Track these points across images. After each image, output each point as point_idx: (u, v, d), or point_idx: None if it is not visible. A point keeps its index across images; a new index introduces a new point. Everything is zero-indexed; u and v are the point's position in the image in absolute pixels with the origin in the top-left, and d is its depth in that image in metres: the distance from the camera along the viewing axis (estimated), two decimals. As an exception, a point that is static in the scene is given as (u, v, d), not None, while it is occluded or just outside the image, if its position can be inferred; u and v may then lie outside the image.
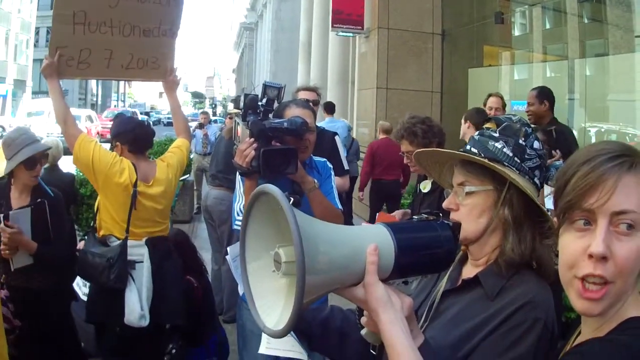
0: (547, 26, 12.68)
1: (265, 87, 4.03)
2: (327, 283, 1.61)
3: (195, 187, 16.46)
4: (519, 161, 2.25)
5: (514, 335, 2.01)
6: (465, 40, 14.20)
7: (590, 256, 1.46)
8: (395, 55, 13.20)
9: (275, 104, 4.15)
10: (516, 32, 13.81)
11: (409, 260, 1.72)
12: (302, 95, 6.35)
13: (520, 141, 2.29)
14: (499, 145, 2.27)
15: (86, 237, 5.53)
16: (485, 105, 8.27)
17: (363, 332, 1.84)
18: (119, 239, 5.23)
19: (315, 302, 1.62)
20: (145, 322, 5.20)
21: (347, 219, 6.80)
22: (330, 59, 19.77)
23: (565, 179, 1.57)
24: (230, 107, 13.62)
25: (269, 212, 1.61)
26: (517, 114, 2.49)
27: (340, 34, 15.30)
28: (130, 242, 5.23)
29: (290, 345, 2.68)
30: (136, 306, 5.22)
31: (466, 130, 7.02)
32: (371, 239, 1.66)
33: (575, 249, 1.51)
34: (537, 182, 2.30)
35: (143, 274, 5.26)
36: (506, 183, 2.22)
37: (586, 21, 10.96)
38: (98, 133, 42.41)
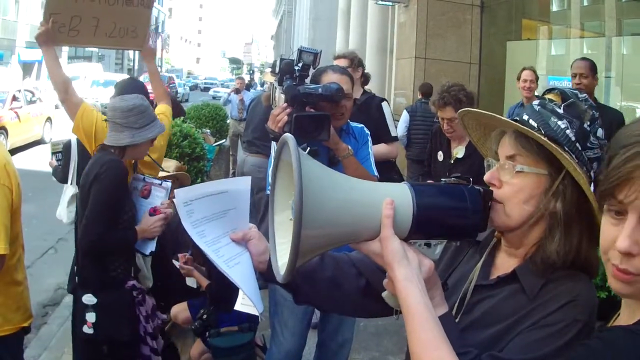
0: (585, 3, 12.57)
1: (301, 52, 4.04)
2: (334, 235, 1.63)
3: (231, 152, 16.50)
4: (579, 148, 1.93)
5: (547, 332, 1.80)
6: (504, 13, 14.10)
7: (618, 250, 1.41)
8: (434, 25, 13.14)
9: (311, 70, 4.18)
10: (554, 7, 13.68)
11: (429, 220, 1.71)
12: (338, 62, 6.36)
13: (585, 125, 1.95)
14: (562, 124, 1.93)
15: None
16: (519, 78, 8.35)
17: (384, 294, 1.84)
18: None
19: (321, 250, 1.68)
20: (151, 283, 5.40)
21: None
22: (369, 27, 19.64)
23: (605, 162, 1.48)
24: (268, 75, 13.59)
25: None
26: (583, 92, 2.18)
27: (380, 2, 15.23)
28: None
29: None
30: (143, 267, 5.42)
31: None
32: (389, 194, 1.67)
33: (609, 235, 1.46)
34: (593, 176, 1.95)
35: None
36: (562, 171, 1.92)
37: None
38: None
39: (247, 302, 2.18)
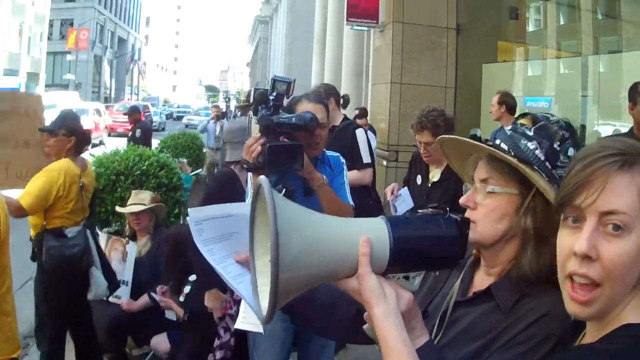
0: (561, 22, 12.66)
1: (275, 81, 4.02)
2: (312, 275, 1.62)
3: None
4: (549, 167, 2.07)
5: (523, 349, 1.90)
6: (479, 35, 14.15)
7: (576, 254, 1.46)
8: (409, 49, 13.15)
9: (285, 99, 4.15)
10: (530, 28, 13.80)
11: (407, 254, 1.70)
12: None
13: (555, 145, 2.10)
14: (531, 145, 2.08)
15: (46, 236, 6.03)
16: (494, 101, 8.49)
17: (365, 326, 1.82)
18: (67, 227, 6.02)
19: (300, 291, 1.64)
20: (107, 293, 6.23)
21: (377, 211, 6.88)
22: (344, 52, 19.79)
23: (565, 175, 1.58)
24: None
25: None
26: (554, 114, 2.36)
27: (355, 27, 15.26)
28: (74, 228, 6.04)
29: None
30: (102, 280, 6.13)
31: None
32: (364, 231, 1.66)
33: (565, 245, 1.52)
34: None
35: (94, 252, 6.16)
36: (532, 189, 2.06)
37: (600, 17, 10.93)
38: (107, 127, 42.14)
39: (248, 320, 2.23)
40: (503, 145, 2.11)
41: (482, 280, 2.20)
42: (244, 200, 5.43)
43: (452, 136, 2.34)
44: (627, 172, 1.47)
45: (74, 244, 5.95)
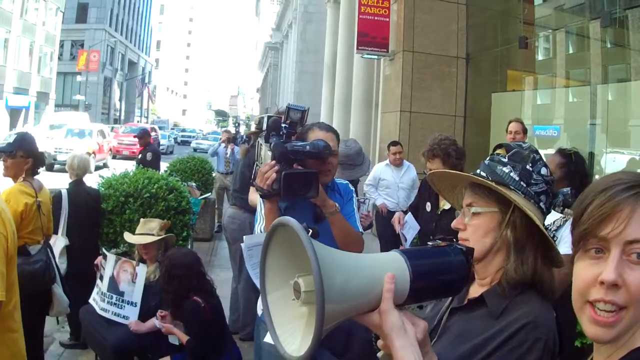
0: (570, 51, 12.66)
1: (289, 109, 4.07)
2: (345, 311, 1.64)
3: (216, 206, 16.51)
4: (524, 185, 2.39)
5: (516, 354, 2.12)
6: (489, 65, 14.20)
7: (602, 283, 1.47)
8: (419, 78, 13.20)
9: (299, 127, 4.17)
10: (539, 57, 13.78)
11: (424, 286, 1.75)
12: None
13: (528, 166, 2.42)
14: (506, 169, 2.41)
15: None
16: (507, 130, 8.37)
17: (379, 354, 1.85)
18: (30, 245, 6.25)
19: (333, 327, 1.66)
20: (68, 310, 6.62)
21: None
22: (354, 81, 19.79)
23: (582, 207, 1.57)
24: (253, 127, 13.74)
25: (288, 243, 1.63)
26: (527, 142, 2.62)
27: (365, 56, 15.33)
28: (36, 246, 6.30)
29: None
30: (64, 297, 6.40)
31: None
32: (387, 267, 1.69)
33: (587, 276, 1.53)
34: (543, 207, 2.43)
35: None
36: (511, 206, 2.35)
37: (609, 46, 10.93)
38: (110, 149, 41.56)
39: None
40: (482, 173, 2.45)
41: (475, 290, 2.46)
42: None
43: (438, 170, 2.69)
44: None
45: (36, 260, 6.15)
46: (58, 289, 6.40)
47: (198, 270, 6.25)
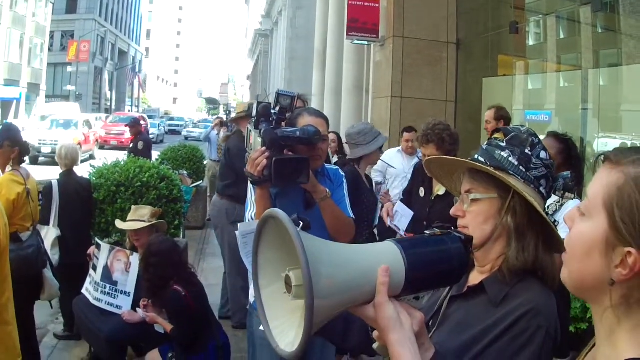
0: (562, 36, 12.64)
1: (279, 95, 4.06)
2: (337, 304, 1.63)
3: (208, 194, 16.50)
4: (524, 170, 2.34)
5: (518, 343, 2.08)
6: (480, 50, 14.17)
7: None
8: (410, 64, 13.16)
9: (288, 113, 4.16)
10: (530, 42, 13.77)
11: (420, 277, 1.74)
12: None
13: (527, 151, 2.37)
14: (504, 154, 2.36)
15: None
16: (488, 117, 8.33)
17: (375, 345, 1.86)
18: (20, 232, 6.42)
19: (327, 320, 1.64)
20: (59, 294, 6.80)
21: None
22: (345, 67, 19.74)
23: None
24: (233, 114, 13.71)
25: (278, 235, 1.61)
26: (530, 126, 2.55)
27: (356, 42, 15.25)
28: (26, 233, 6.52)
29: None
30: (54, 281, 6.57)
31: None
32: (381, 259, 1.68)
33: None
34: (543, 191, 2.38)
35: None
36: (511, 191, 2.30)
37: (600, 31, 10.91)
38: (97, 140, 40.46)
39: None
40: (480, 158, 2.39)
41: (475, 277, 2.41)
42: (368, 197, 7.03)
43: (436, 156, 2.65)
44: None
45: (28, 245, 6.33)
46: (48, 273, 6.55)
47: (174, 258, 6.23)
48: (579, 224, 1.53)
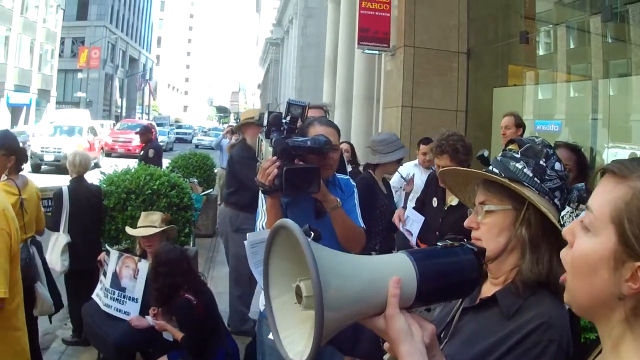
0: (571, 46, 12.63)
1: (289, 105, 4.06)
2: (347, 316, 1.62)
3: (218, 202, 16.49)
4: (538, 181, 2.32)
5: (530, 356, 2.06)
6: (490, 59, 14.16)
7: None
8: (420, 73, 13.16)
9: (299, 122, 4.17)
10: (541, 52, 13.76)
11: (432, 289, 1.72)
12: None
13: (541, 162, 2.36)
14: (519, 165, 2.34)
15: None
16: (508, 124, 8.31)
17: (386, 357, 1.84)
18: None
19: (337, 331, 1.64)
20: (53, 310, 6.57)
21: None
22: (355, 76, 19.72)
23: None
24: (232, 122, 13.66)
25: (289, 245, 1.60)
26: (540, 135, 2.58)
27: (366, 51, 15.24)
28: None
29: None
30: (47, 296, 6.40)
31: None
32: (393, 270, 1.67)
33: None
34: (558, 203, 2.37)
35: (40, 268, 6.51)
36: (525, 203, 2.28)
37: (610, 41, 10.90)
38: (102, 147, 38.84)
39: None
40: (495, 170, 2.38)
41: (488, 289, 2.39)
42: (382, 202, 7.09)
43: (451, 167, 2.67)
44: None
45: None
46: (42, 289, 6.37)
47: (184, 266, 6.25)
48: (583, 240, 1.50)
